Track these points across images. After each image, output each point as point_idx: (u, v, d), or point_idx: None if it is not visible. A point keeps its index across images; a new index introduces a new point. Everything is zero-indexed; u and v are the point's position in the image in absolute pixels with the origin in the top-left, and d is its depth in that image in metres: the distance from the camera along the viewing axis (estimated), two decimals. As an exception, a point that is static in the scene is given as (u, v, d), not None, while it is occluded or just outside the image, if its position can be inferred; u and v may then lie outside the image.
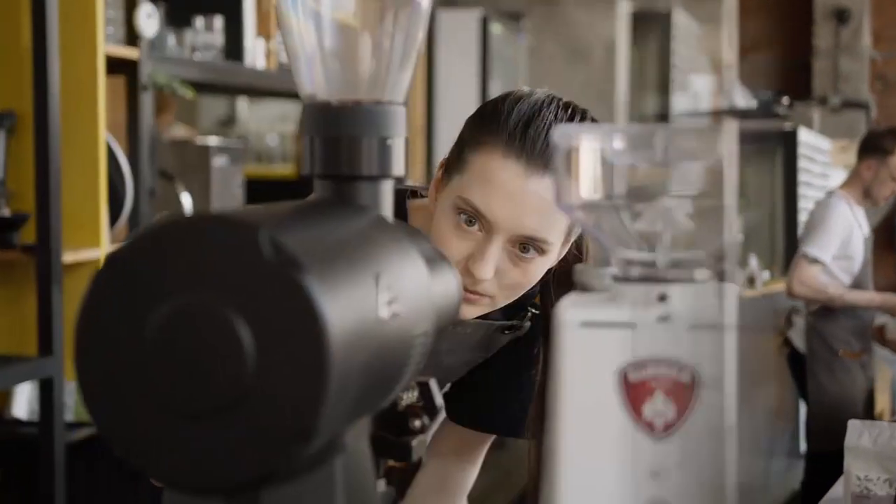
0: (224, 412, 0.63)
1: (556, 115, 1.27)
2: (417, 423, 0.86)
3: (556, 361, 0.72)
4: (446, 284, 0.88)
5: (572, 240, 1.33)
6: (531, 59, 5.49)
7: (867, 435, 1.94)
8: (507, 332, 1.42)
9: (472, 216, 1.25)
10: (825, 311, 4.39)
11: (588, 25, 5.39)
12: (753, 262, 6.32)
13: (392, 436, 0.86)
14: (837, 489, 2.14)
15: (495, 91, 5.90)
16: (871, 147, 4.35)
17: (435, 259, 0.88)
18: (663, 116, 7.27)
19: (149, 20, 2.64)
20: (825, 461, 4.29)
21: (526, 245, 1.25)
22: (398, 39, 0.85)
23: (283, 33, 0.85)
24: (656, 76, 7.30)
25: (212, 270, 0.63)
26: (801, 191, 7.07)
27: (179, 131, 3.72)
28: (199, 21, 3.01)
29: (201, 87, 3.20)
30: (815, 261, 4.25)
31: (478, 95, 5.08)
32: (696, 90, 5.11)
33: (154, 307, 0.63)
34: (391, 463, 0.87)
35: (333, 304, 0.63)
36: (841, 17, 9.23)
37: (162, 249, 0.64)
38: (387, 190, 0.84)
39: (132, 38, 2.66)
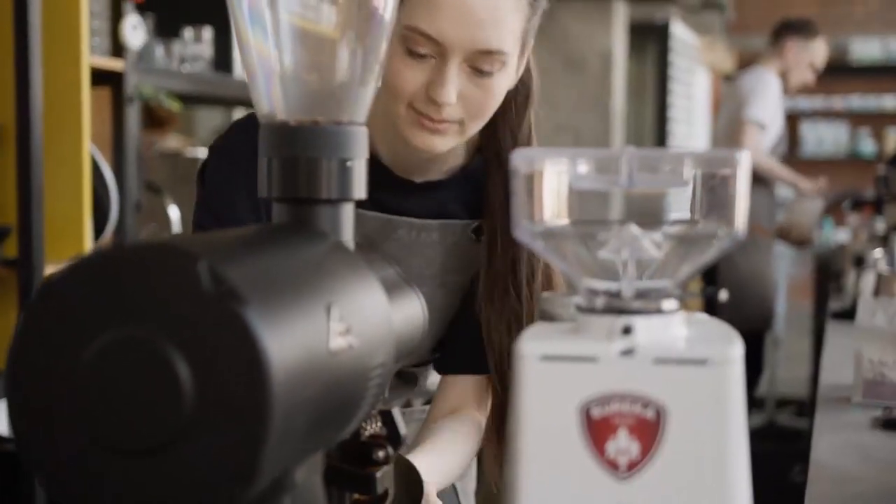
0: (160, 450, 0.60)
1: None
2: (381, 453, 0.83)
3: (515, 396, 0.69)
4: (409, 310, 0.85)
5: (527, 53, 1.31)
6: (527, 71, 5.46)
7: (881, 313, 1.83)
8: (474, 235, 1.38)
9: (421, 44, 1.21)
10: None
11: (585, 37, 5.36)
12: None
13: (355, 467, 0.83)
14: (842, 378, 1.97)
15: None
16: (797, 29, 4.48)
17: (397, 284, 0.85)
18: (661, 125, 7.28)
19: (135, 31, 2.62)
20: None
21: (482, 63, 1.21)
22: (359, 56, 0.82)
23: (241, 49, 0.82)
24: (654, 86, 7.30)
25: (149, 302, 0.60)
26: (669, 86, 7.17)
27: (173, 142, 3.70)
28: (188, 32, 2.99)
29: (190, 99, 3.18)
30: (760, 125, 4.36)
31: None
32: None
33: (89, 339, 0.60)
34: (356, 496, 0.84)
35: (277, 338, 0.60)
36: None
37: (98, 279, 0.61)
38: (347, 213, 0.81)
39: (118, 49, 2.63)
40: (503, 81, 1.24)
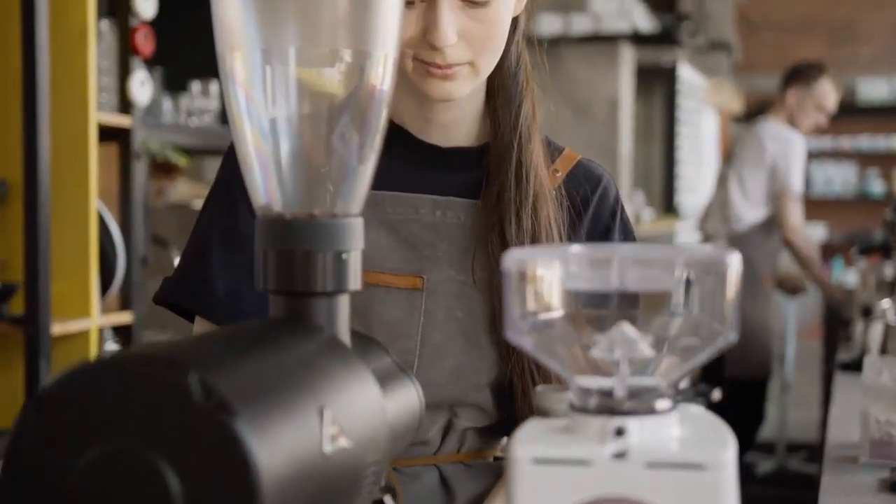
0: (151, 563, 0.60)
1: None
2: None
3: (509, 497, 0.69)
4: (404, 401, 0.85)
5: None
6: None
7: (887, 372, 1.80)
8: None
9: None
10: (749, 235, 4.46)
11: (591, 82, 5.39)
12: (639, 197, 6.31)
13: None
14: (850, 434, 1.95)
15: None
16: (797, 76, 4.54)
17: (392, 373, 0.85)
18: (669, 167, 7.29)
19: (142, 88, 2.63)
20: (741, 388, 4.31)
21: None
22: (355, 142, 0.83)
23: (236, 141, 0.83)
24: (662, 128, 7.32)
25: (140, 414, 0.60)
26: (677, 128, 7.18)
27: (183, 188, 3.71)
28: (196, 86, 3.01)
29: (198, 151, 3.19)
30: (799, 197, 4.44)
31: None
32: (596, 11, 5.10)
33: (80, 451, 0.61)
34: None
35: (268, 448, 0.60)
36: None
37: (89, 391, 0.61)
38: (342, 304, 0.82)
39: (126, 105, 2.65)
40: (503, 9, 1.17)
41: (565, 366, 0.72)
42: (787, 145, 4.49)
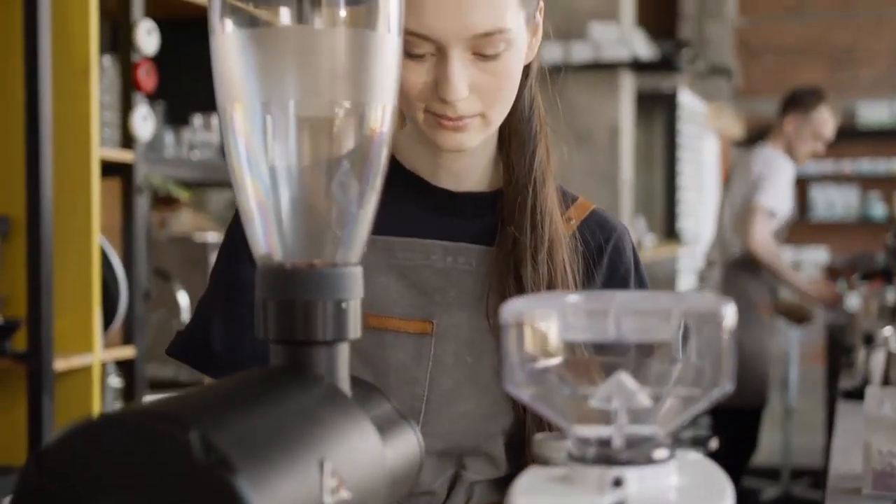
0: None
1: None
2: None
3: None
4: (404, 448, 0.85)
5: (537, 17, 1.22)
6: (535, 144, 5.50)
7: (889, 403, 1.79)
8: None
9: (416, 44, 1.13)
10: (744, 263, 4.44)
11: (592, 110, 5.41)
12: (641, 224, 6.31)
13: None
14: (853, 464, 1.94)
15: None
16: (795, 103, 4.53)
17: (392, 420, 0.85)
18: (670, 193, 7.31)
19: (144, 123, 2.65)
20: (734, 417, 4.29)
21: (485, 47, 1.13)
22: (355, 189, 0.83)
23: (237, 191, 0.84)
24: (663, 153, 7.34)
25: (141, 470, 0.61)
26: (678, 153, 7.19)
27: (186, 219, 3.72)
28: (197, 119, 3.02)
29: (200, 184, 3.21)
30: (771, 213, 4.37)
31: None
32: (596, 39, 5.11)
33: (82, 508, 0.61)
34: None
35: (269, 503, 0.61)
36: None
37: (91, 446, 0.62)
38: (342, 353, 0.82)
39: (128, 140, 2.66)
40: (513, 60, 1.15)
41: (563, 415, 0.72)
42: (770, 165, 4.49)
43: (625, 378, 0.71)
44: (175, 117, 2.99)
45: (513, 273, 1.20)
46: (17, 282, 2.41)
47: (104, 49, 2.73)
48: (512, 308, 0.71)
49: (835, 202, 10.18)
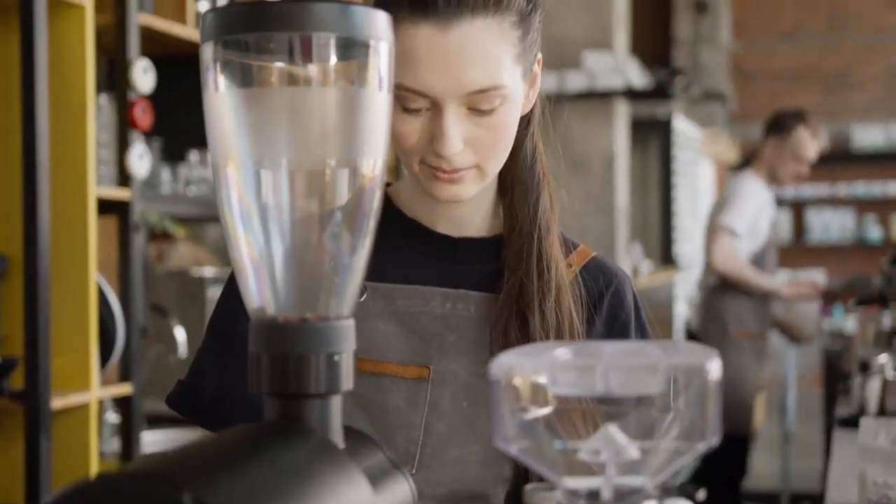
0: None
1: None
2: None
3: None
4: (397, 498, 0.86)
5: (535, 69, 1.22)
6: (531, 172, 5.52)
7: (884, 434, 1.79)
8: None
9: (412, 99, 1.13)
10: (722, 287, 4.43)
11: (587, 138, 5.43)
12: (637, 250, 6.31)
13: None
14: (849, 494, 1.94)
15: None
16: (773, 126, 4.52)
17: (385, 470, 0.86)
18: (666, 219, 7.33)
19: (141, 161, 2.66)
20: (723, 443, 4.26)
21: (480, 102, 1.13)
22: (346, 242, 0.84)
23: (229, 245, 0.85)
24: (658, 179, 7.36)
25: (137, 531, 0.62)
26: (673, 179, 7.20)
27: (184, 251, 3.73)
28: (194, 155, 3.04)
29: (198, 219, 3.23)
30: (732, 232, 4.34)
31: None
32: (590, 68, 5.13)
33: (78, 569, 0.62)
34: None
35: (262, 563, 0.62)
36: (700, 8, 9.42)
37: (85, 510, 0.63)
38: (335, 405, 0.83)
39: (125, 178, 2.67)
40: (509, 114, 1.17)
41: (553, 468, 0.73)
42: (739, 187, 4.50)
43: (613, 430, 0.72)
44: (171, 153, 3.01)
45: (518, 320, 1.21)
46: (15, 320, 2.42)
47: (101, 88, 2.75)
48: (501, 363, 0.73)
49: (831, 225, 10.21)
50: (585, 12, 5.38)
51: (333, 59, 0.80)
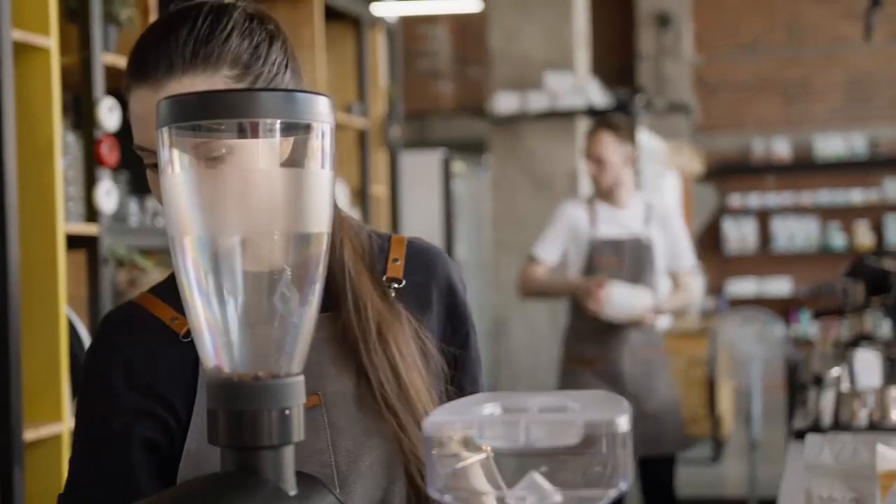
0: None
1: (180, 15, 1.21)
2: None
3: None
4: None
5: None
6: (496, 190, 5.62)
7: (828, 450, 1.85)
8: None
9: (147, 156, 1.21)
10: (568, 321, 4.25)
11: (550, 156, 5.53)
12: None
13: None
14: None
15: (460, 226, 6.05)
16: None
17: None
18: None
19: (108, 197, 2.73)
20: (651, 465, 4.26)
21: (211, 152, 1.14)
22: (293, 316, 0.92)
23: (186, 310, 0.92)
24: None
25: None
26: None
27: (156, 277, 3.77)
28: (160, 187, 3.10)
29: (165, 251, 3.29)
30: (533, 260, 4.14)
31: (442, 231, 5.18)
32: (552, 88, 5.16)
33: None
34: None
35: None
36: (662, 21, 9.56)
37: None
38: (288, 455, 0.90)
39: (92, 213, 2.73)
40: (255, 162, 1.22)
41: (483, 513, 0.81)
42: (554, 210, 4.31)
43: (537, 477, 0.80)
44: (138, 186, 3.07)
45: (354, 357, 1.26)
46: (-14, 355, 2.47)
47: (67, 126, 2.81)
48: (434, 420, 0.80)
49: (795, 233, 10.36)
50: (546, 33, 5.48)
51: (279, 141, 0.88)
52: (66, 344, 2.59)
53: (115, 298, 2.89)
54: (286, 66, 1.25)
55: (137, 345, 1.28)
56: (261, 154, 0.89)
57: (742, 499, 5.72)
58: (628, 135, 4.11)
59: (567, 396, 0.85)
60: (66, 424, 2.59)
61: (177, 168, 0.89)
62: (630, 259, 4.12)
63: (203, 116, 0.87)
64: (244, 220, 0.89)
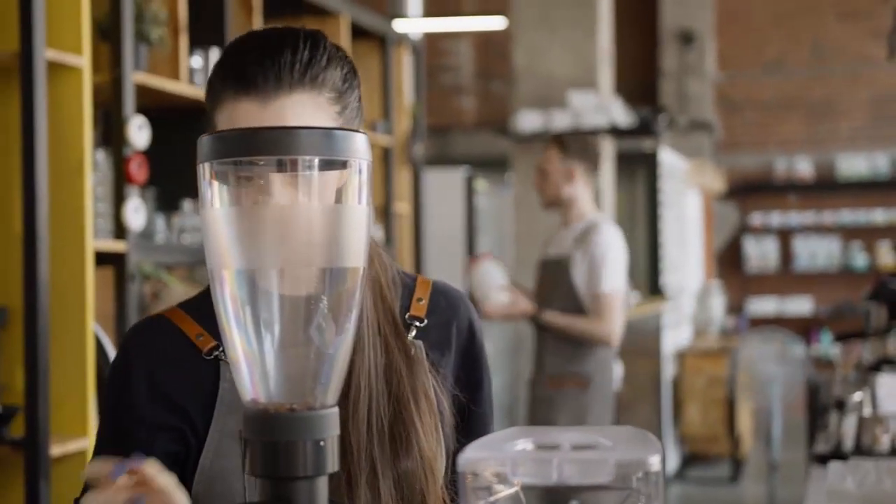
0: None
1: (280, 35, 1.23)
2: None
3: None
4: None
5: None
6: (518, 209, 5.63)
7: (851, 478, 1.85)
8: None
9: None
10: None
11: (573, 174, 5.52)
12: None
13: None
14: None
15: (482, 243, 6.06)
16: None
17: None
18: (653, 250, 7.42)
19: (136, 214, 2.75)
20: None
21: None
22: (329, 348, 0.93)
23: (225, 343, 0.94)
24: (645, 211, 7.47)
25: None
26: (660, 211, 7.29)
27: (178, 290, 3.79)
28: (188, 204, 3.13)
29: (192, 264, 3.32)
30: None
31: (464, 249, 5.19)
32: (576, 107, 5.17)
33: None
34: None
35: None
36: (686, 38, 9.52)
37: None
38: (322, 486, 0.92)
39: (121, 230, 2.76)
40: (332, 183, 1.24)
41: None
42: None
43: (569, 513, 0.81)
44: (166, 203, 3.10)
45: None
46: (15, 370, 2.50)
47: (97, 144, 2.84)
48: (467, 457, 0.82)
49: (817, 253, 10.32)
50: (571, 53, 5.49)
51: (317, 178, 0.89)
52: (93, 360, 2.61)
53: (141, 313, 2.92)
54: (360, 100, 1.28)
55: (161, 357, 1.29)
56: (300, 190, 0.91)
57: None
58: (577, 153, 4.04)
59: (597, 432, 0.86)
60: (92, 439, 2.61)
61: (216, 203, 0.90)
62: (545, 277, 4.04)
63: (244, 153, 0.89)
64: (282, 254, 0.90)
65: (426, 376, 1.29)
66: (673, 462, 6.86)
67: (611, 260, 3.91)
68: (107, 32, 2.80)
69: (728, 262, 10.37)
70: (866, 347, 4.42)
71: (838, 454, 2.81)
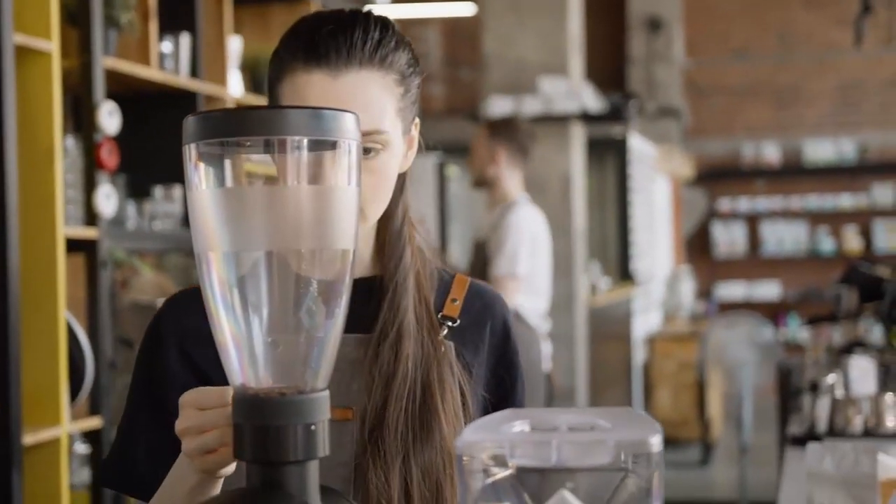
0: None
1: (351, 14, 1.26)
2: None
3: None
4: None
5: (415, 134, 1.31)
6: (489, 195, 5.62)
7: (829, 458, 1.86)
8: None
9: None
10: None
11: (545, 161, 5.52)
12: (595, 268, 6.43)
13: None
14: None
15: (454, 230, 6.06)
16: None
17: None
18: (623, 235, 7.45)
19: (107, 200, 2.72)
20: None
21: (365, 142, 1.18)
22: (318, 334, 0.92)
23: (213, 327, 0.92)
24: (614, 197, 7.49)
25: None
26: (629, 196, 7.35)
27: (148, 277, 3.76)
28: (159, 191, 3.10)
29: (163, 251, 3.29)
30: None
31: (437, 236, 5.17)
32: (546, 93, 5.20)
33: None
34: None
35: None
36: (654, 25, 9.57)
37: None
38: (313, 470, 0.91)
39: (92, 217, 2.73)
40: (391, 162, 1.25)
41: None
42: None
43: (567, 495, 0.81)
44: (137, 190, 3.06)
45: (370, 359, 1.27)
46: (-14, 359, 2.46)
47: (67, 130, 2.80)
48: (464, 440, 0.80)
49: (784, 238, 10.38)
50: (541, 38, 5.48)
51: (305, 159, 0.88)
52: (65, 348, 2.58)
53: (113, 301, 2.89)
54: (419, 87, 1.31)
55: (193, 326, 1.26)
56: (288, 170, 0.89)
57: (731, 502, 5.73)
58: (503, 136, 4.11)
59: (595, 414, 0.85)
60: (65, 428, 2.58)
61: (202, 185, 0.89)
62: (474, 259, 4.13)
63: (231, 133, 0.87)
64: (270, 236, 0.89)
65: (452, 376, 1.29)
66: (644, 446, 6.87)
67: (512, 243, 3.94)
68: (75, 17, 2.76)
69: (697, 248, 10.41)
70: (836, 330, 4.46)
71: (813, 436, 2.83)
